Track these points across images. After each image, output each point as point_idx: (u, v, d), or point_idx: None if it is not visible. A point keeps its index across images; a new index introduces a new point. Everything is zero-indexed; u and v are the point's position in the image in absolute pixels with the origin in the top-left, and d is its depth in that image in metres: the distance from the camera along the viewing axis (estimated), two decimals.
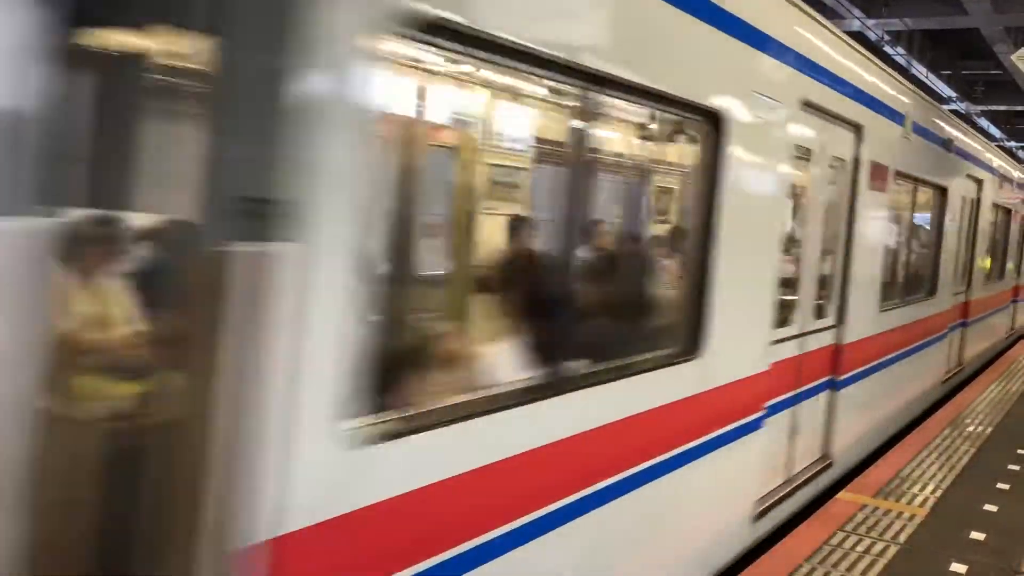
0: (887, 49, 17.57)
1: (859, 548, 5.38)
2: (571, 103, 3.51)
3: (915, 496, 6.48)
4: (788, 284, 5.63)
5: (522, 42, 2.93)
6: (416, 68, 3.54)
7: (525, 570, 3.13)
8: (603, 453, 3.62)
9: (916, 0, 15.99)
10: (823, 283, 6.30)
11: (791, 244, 5.79)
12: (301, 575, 2.27)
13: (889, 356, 8.00)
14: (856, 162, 6.55)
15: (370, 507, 2.46)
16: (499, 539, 2.97)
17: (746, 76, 4.63)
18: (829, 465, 6.57)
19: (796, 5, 5.35)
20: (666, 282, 4.78)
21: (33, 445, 1.92)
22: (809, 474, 6.19)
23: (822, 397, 6.41)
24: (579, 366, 3.48)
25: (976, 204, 11.67)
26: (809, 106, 5.46)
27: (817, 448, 6.46)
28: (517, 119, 4.69)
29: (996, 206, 13.34)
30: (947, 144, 9.72)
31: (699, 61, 4.17)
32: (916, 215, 9.48)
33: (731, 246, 4.47)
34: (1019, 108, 25.08)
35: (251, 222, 2.15)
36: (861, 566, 5.10)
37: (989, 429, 8.80)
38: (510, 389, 3.16)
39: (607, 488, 3.60)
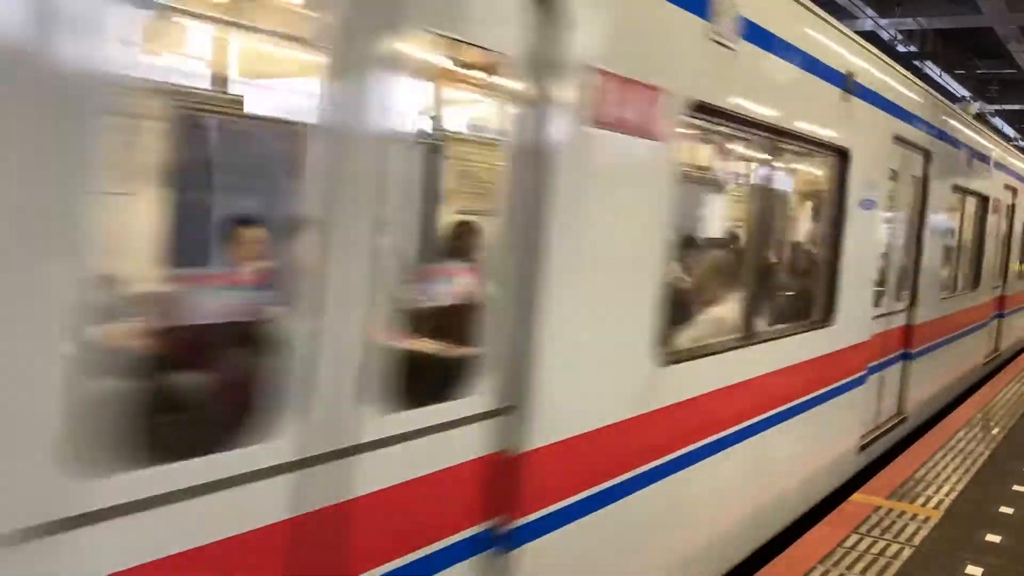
0: (900, 48, 17.50)
1: (873, 550, 5.35)
2: None
3: (929, 498, 6.45)
4: None
5: None
6: None
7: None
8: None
9: None
10: None
11: None
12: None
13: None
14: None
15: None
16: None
17: None
18: None
19: None
20: None
21: None
22: None
23: None
24: None
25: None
26: None
27: None
28: None
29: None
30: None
31: None
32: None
33: None
34: None
35: None
36: (875, 568, 5.07)
37: (1004, 431, 8.74)
38: None
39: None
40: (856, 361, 6.71)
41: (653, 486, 4.07)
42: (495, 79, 3.13)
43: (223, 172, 4.49)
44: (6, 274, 1.72)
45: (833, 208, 6.14)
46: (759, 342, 5.14)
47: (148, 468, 1.97)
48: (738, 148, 6.01)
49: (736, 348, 4.92)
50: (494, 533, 3.05)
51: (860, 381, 6.84)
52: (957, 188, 9.56)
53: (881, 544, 5.45)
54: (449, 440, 2.81)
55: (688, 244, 5.59)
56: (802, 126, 5.39)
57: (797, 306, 6.18)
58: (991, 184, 11.31)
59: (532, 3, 2.99)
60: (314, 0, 2.51)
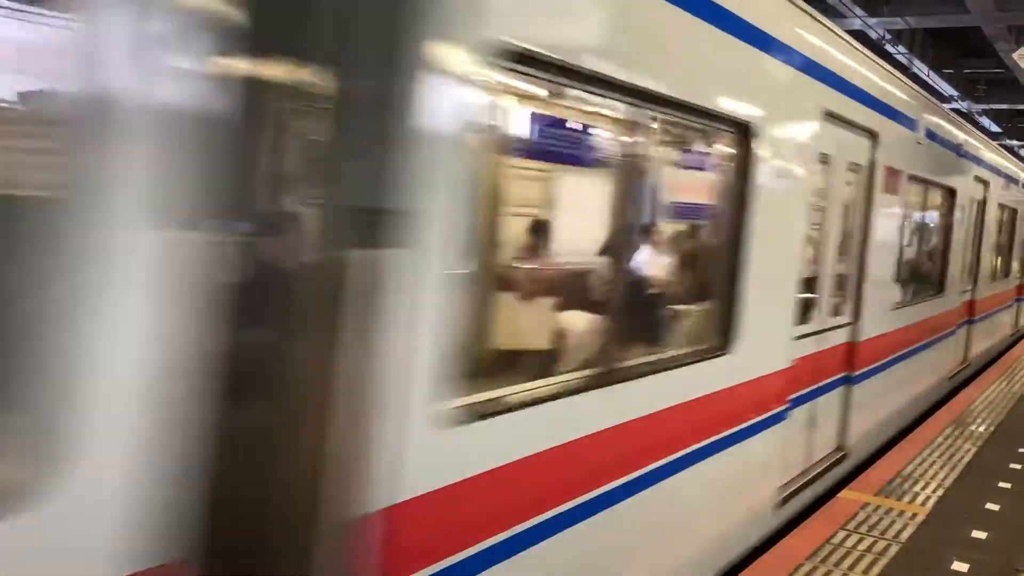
0: (888, 48, 17.57)
1: (861, 547, 5.39)
2: None
3: (917, 495, 6.50)
4: None
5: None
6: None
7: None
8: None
9: None
10: None
11: None
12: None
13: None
14: None
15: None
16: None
17: None
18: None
19: None
20: None
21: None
22: None
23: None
24: None
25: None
26: None
27: None
28: None
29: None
30: None
31: None
32: None
33: None
34: (1021, 107, 25.08)
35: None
36: (863, 565, 5.11)
37: (991, 428, 8.81)
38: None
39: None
40: None
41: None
42: None
43: None
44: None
45: None
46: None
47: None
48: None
49: None
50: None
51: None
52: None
53: (868, 541, 5.50)
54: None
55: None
56: None
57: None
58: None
59: None
60: None
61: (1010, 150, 18.30)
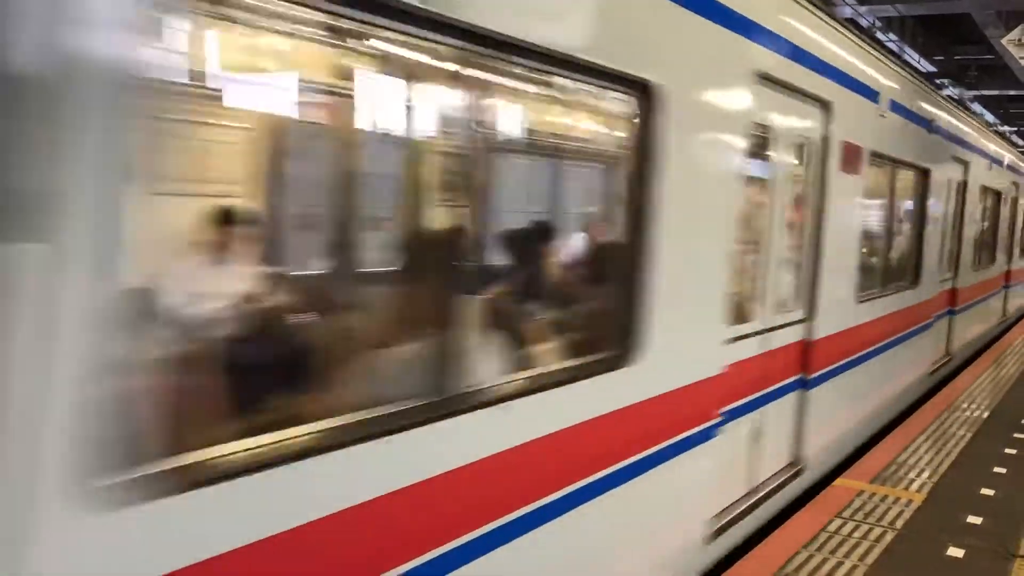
0: (879, 35, 17.56)
1: (856, 534, 5.39)
2: None
3: (912, 481, 6.50)
4: None
5: None
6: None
7: None
8: None
9: None
10: None
11: None
12: None
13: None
14: None
15: None
16: None
17: None
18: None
19: None
20: None
21: None
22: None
23: None
24: None
25: None
26: None
27: None
28: None
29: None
30: None
31: None
32: None
33: None
34: (1012, 92, 25.10)
35: None
36: (858, 552, 5.11)
37: (985, 413, 8.82)
38: None
39: None
40: None
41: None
42: None
43: None
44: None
45: None
46: None
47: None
48: None
49: None
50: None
51: None
52: None
53: (864, 528, 5.49)
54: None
55: None
56: None
57: None
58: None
59: None
60: None
61: (1003, 136, 18.29)
